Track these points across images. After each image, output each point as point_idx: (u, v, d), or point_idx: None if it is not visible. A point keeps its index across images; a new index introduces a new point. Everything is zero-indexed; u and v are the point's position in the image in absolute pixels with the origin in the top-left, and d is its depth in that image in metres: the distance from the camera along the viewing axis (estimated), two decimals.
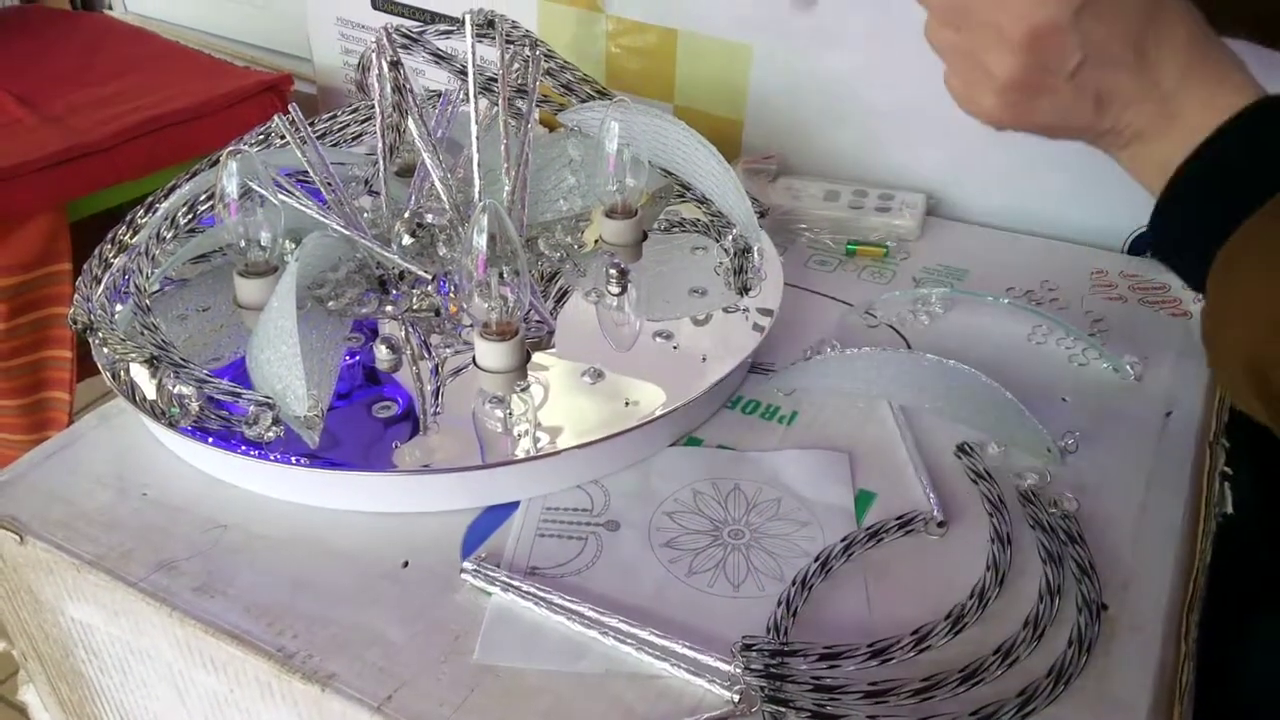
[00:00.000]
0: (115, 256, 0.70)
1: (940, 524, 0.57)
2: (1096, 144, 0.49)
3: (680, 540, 0.56)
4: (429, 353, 0.67)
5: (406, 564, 0.55)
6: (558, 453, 0.58)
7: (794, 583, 0.53)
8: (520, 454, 0.58)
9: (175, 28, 1.44)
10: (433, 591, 0.53)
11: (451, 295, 0.70)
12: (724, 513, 0.58)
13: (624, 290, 0.73)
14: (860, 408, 0.66)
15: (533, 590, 0.52)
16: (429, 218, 0.73)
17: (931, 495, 0.59)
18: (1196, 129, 0.45)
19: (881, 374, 0.66)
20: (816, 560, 0.54)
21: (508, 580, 0.53)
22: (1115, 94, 0.46)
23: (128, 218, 0.72)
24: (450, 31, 0.78)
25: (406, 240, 0.72)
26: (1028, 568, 0.55)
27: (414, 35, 0.73)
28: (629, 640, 0.50)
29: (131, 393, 0.61)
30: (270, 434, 0.58)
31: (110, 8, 1.58)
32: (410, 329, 0.69)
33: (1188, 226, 0.46)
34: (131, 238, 0.71)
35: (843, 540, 0.56)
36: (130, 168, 1.05)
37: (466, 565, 0.54)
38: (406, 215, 0.72)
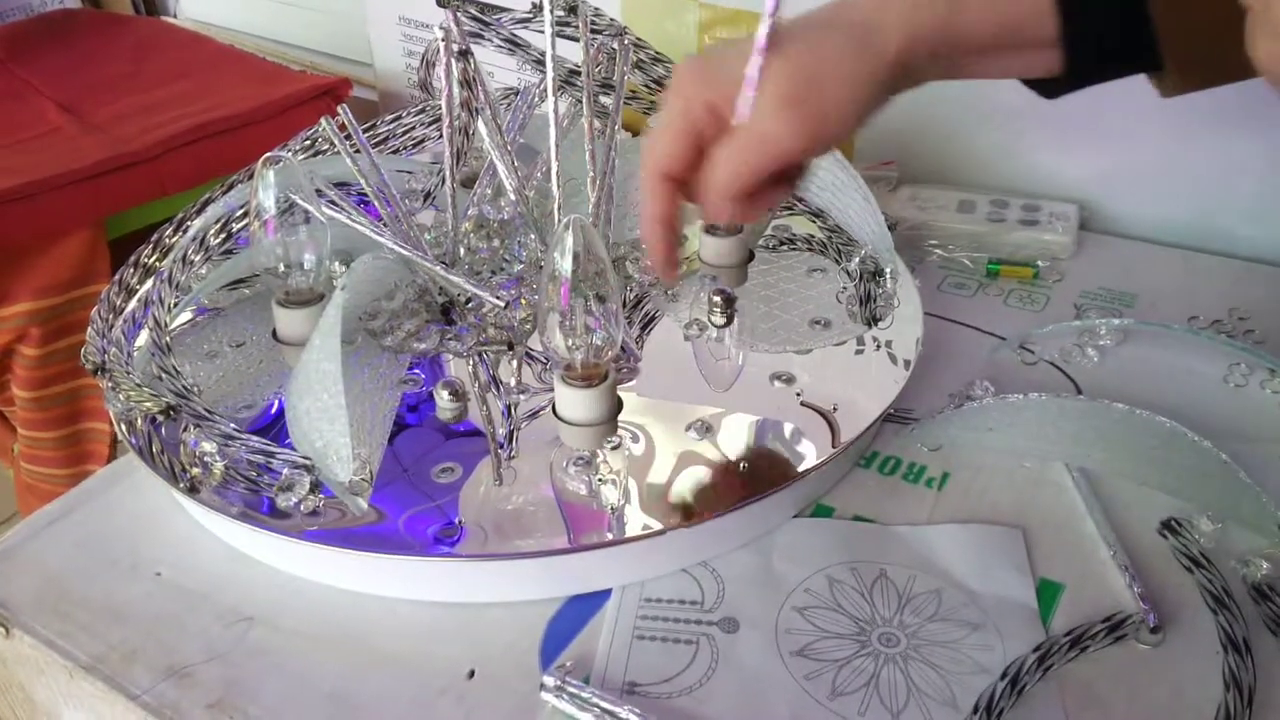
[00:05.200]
0: (139, 283, 0.61)
1: (1154, 629, 0.44)
2: None
3: (817, 648, 0.44)
4: (500, 394, 0.56)
5: (472, 674, 0.44)
6: (660, 532, 0.46)
7: (976, 710, 0.41)
8: (610, 533, 0.47)
9: (231, 33, 1.37)
10: (505, 715, 0.42)
11: (524, 303, 0.59)
12: (870, 609, 0.46)
13: (729, 320, 0.61)
14: (1028, 469, 0.54)
15: (634, 717, 0.41)
16: (489, 211, 0.62)
17: (1136, 588, 0.46)
18: None
19: (1057, 428, 0.53)
20: (1004, 678, 0.42)
21: (601, 703, 0.41)
22: None
23: (153, 238, 0.62)
24: (527, 20, 0.68)
25: (475, 243, 0.61)
26: (1276, 686, 0.42)
27: (486, 18, 0.63)
28: None
29: (149, 448, 0.51)
30: (308, 503, 0.47)
31: (175, 15, 1.52)
32: (479, 363, 0.58)
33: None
34: (159, 261, 0.62)
35: (1035, 650, 0.43)
36: (175, 180, 0.96)
37: (547, 680, 0.42)
38: (469, 219, 0.62)
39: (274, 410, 0.55)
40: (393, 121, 0.73)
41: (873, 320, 0.61)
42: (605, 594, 0.47)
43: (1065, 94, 0.49)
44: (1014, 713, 0.41)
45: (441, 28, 0.58)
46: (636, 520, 0.47)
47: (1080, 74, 0.48)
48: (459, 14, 0.59)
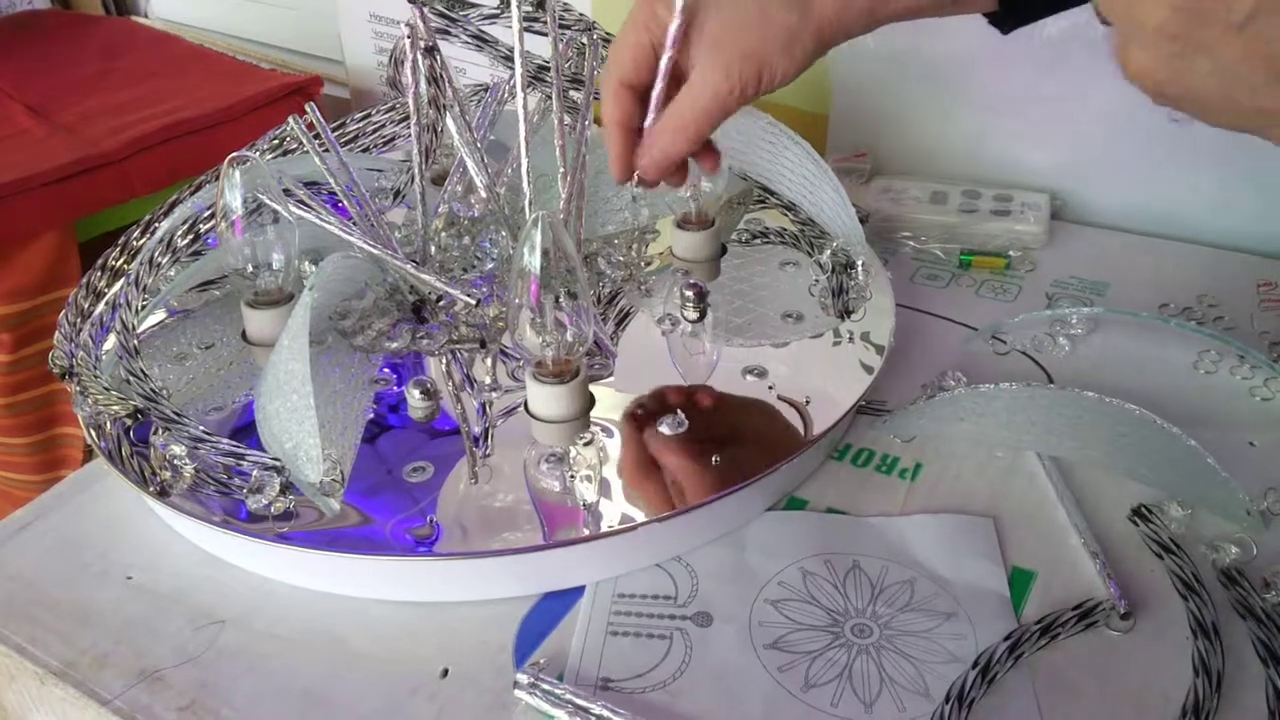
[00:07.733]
0: (107, 286, 0.60)
1: (1124, 615, 0.45)
2: (1270, 135, 0.37)
3: (790, 640, 0.44)
4: (474, 393, 0.56)
5: (446, 672, 0.44)
6: (632, 527, 0.46)
7: (947, 699, 0.41)
8: (584, 529, 0.47)
9: (202, 32, 1.36)
10: (479, 713, 0.42)
11: (495, 300, 0.59)
12: (843, 600, 0.46)
13: (703, 315, 0.61)
14: (1000, 459, 0.54)
15: (607, 713, 0.41)
16: (460, 209, 0.62)
17: (1107, 575, 0.46)
18: None
19: (1028, 417, 0.53)
20: (975, 667, 0.42)
21: (574, 699, 0.41)
22: None
23: (120, 240, 0.61)
24: (495, 16, 0.67)
25: (446, 241, 0.61)
26: (1244, 670, 0.43)
27: (453, 15, 0.62)
28: None
29: (118, 451, 0.51)
30: (278, 505, 0.47)
31: (146, 15, 1.50)
32: (452, 361, 0.58)
33: None
34: (127, 264, 0.61)
35: (1006, 639, 0.43)
36: (144, 181, 0.95)
37: (520, 677, 0.42)
38: (440, 217, 0.62)
39: (243, 414, 0.55)
40: (362, 119, 0.72)
41: (845, 313, 0.61)
42: (579, 591, 0.47)
43: (1010, 30, 0.51)
44: (986, 701, 0.41)
45: (408, 25, 0.58)
46: (610, 516, 0.47)
47: (1014, 18, 0.50)
48: (426, 10, 0.58)
